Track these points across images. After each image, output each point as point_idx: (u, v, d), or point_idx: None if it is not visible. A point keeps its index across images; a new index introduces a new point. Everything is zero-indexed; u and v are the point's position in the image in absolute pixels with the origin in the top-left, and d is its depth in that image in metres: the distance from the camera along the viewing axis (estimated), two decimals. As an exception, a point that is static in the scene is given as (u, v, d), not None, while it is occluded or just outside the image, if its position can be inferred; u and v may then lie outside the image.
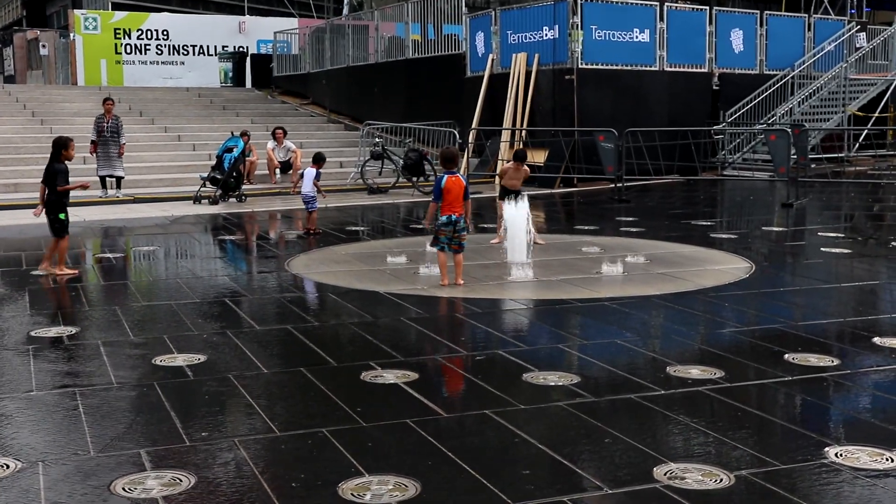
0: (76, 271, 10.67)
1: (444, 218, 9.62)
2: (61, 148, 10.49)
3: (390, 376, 6.47)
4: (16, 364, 6.87)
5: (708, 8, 25.03)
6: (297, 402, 6.06)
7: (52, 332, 7.88)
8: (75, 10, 40.37)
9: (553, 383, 6.33)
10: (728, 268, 10.90)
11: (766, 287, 9.91)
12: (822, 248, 12.42)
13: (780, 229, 14.87)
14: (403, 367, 6.70)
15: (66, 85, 37.68)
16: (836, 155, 25.51)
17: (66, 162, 10.56)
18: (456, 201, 9.60)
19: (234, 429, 5.47)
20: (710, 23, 24.44)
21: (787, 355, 6.97)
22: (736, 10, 27.04)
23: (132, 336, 7.75)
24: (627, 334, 7.80)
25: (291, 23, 38.49)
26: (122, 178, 19.36)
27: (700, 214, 16.20)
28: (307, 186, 14.07)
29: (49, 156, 10.63)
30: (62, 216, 10.54)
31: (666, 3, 23.19)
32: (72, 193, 10.81)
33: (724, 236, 13.66)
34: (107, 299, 9.53)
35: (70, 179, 10.72)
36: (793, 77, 25.27)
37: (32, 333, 7.80)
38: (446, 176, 9.69)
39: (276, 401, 6.04)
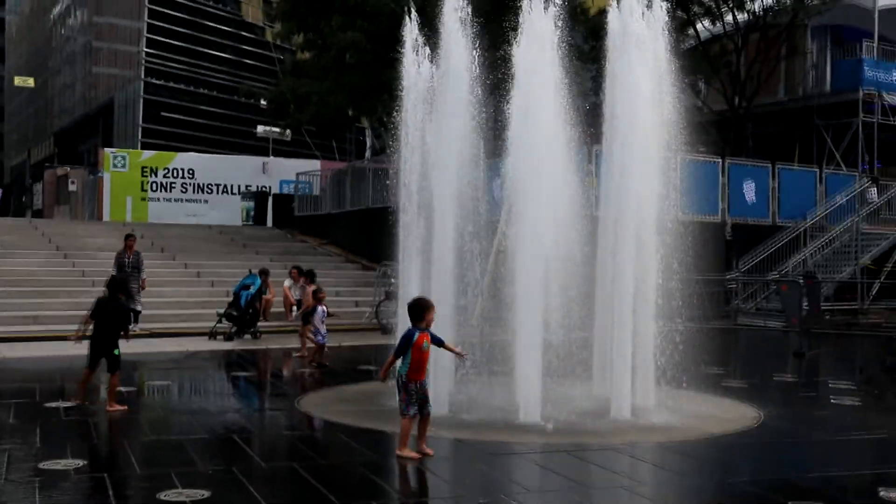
0: (125, 407, 10.70)
1: (412, 386, 8.43)
2: (119, 288, 10.78)
3: (392, 517, 6.49)
4: (20, 496, 6.92)
5: (721, 159, 25.60)
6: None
7: (61, 464, 7.93)
8: (105, 149, 41.56)
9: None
10: (735, 416, 10.89)
11: (771, 437, 9.88)
12: (832, 399, 12.40)
13: (791, 379, 14.86)
14: (405, 509, 6.72)
15: (91, 220, 38.48)
16: (849, 306, 25.59)
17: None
18: (425, 366, 8.53)
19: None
20: (723, 174, 24.96)
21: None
22: (748, 161, 27.58)
23: (138, 470, 7.80)
24: (624, 480, 7.79)
25: (314, 164, 39.50)
26: (140, 312, 19.60)
27: (712, 362, 16.22)
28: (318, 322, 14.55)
29: (108, 294, 10.98)
30: (117, 352, 10.74)
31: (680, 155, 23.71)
32: None
33: (734, 384, 13.65)
34: (117, 433, 9.60)
35: None
36: (805, 228, 25.60)
37: (41, 466, 7.86)
38: (418, 333, 8.49)
39: (276, 539, 6.06)
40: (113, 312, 10.73)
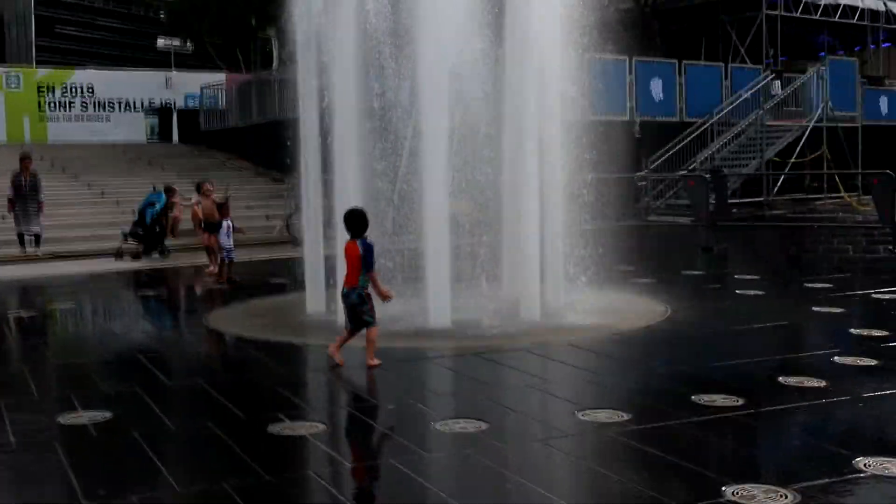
0: None
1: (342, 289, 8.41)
2: None
3: (298, 429, 6.41)
4: (-88, 427, 6.69)
5: (627, 58, 25.58)
6: (201, 458, 5.98)
7: (-46, 393, 7.68)
8: (-3, 67, 39.88)
9: (460, 430, 6.33)
10: (643, 312, 11.03)
11: (676, 331, 10.04)
12: (737, 291, 12.65)
13: (698, 273, 15.12)
14: (311, 419, 6.65)
15: (-13, 142, 37.09)
16: (755, 199, 26.06)
17: None
18: (349, 269, 8.31)
19: (133, 488, 5.38)
20: (630, 72, 24.97)
21: (694, 397, 7.04)
22: (655, 59, 27.63)
23: (36, 395, 7.60)
24: (535, 380, 7.85)
25: (219, 77, 38.46)
26: (41, 235, 19.04)
27: (622, 260, 16.40)
28: (224, 238, 14.21)
29: None
30: None
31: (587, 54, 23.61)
32: None
33: (643, 281, 13.80)
34: (16, 359, 9.33)
35: None
36: (712, 124, 25.86)
37: (-65, 395, 7.60)
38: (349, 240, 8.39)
39: (179, 457, 5.95)
40: None
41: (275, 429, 6.38)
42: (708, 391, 7.16)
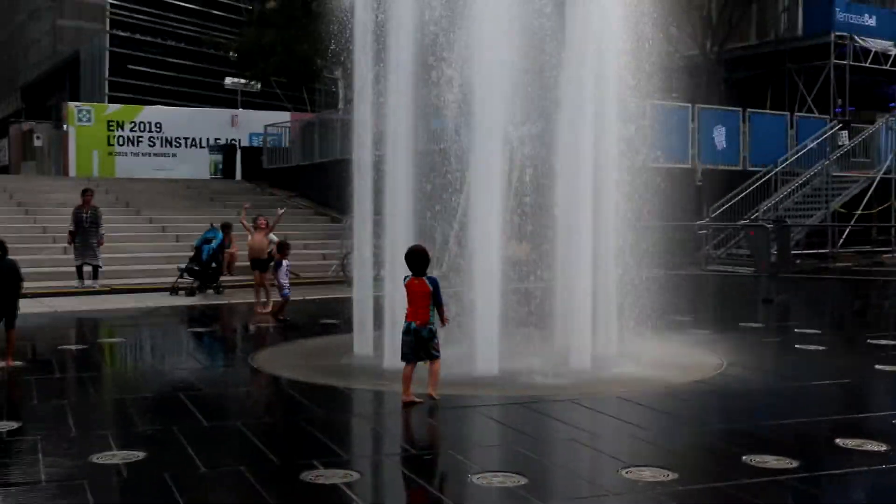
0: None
1: (404, 325, 8.60)
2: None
3: (332, 476, 6.24)
4: (-54, 460, 6.66)
5: (690, 105, 25.30)
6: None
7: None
8: (69, 103, 40.78)
9: (498, 484, 6.10)
10: (698, 364, 10.70)
11: (730, 386, 9.69)
12: (796, 346, 12.25)
13: (757, 325, 14.70)
14: (347, 467, 6.47)
15: (57, 176, 37.88)
16: (819, 251, 25.48)
17: None
18: (417, 306, 8.45)
19: (156, 532, 5.25)
20: (693, 120, 24.68)
21: (745, 457, 6.73)
22: (719, 107, 27.29)
23: (73, 431, 7.53)
24: (580, 433, 7.60)
25: (284, 116, 38.87)
26: (100, 267, 19.23)
27: (678, 310, 16.06)
28: (282, 277, 14.26)
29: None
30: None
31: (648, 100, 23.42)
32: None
33: (699, 332, 13.45)
34: (59, 393, 9.29)
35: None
36: (776, 173, 25.41)
37: (-28, 431, 7.56)
38: (409, 277, 8.63)
39: (209, 503, 5.81)
40: (4, 271, 10.32)
41: (308, 476, 6.22)
42: (760, 451, 6.84)
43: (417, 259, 8.54)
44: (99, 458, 6.66)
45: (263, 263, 15.90)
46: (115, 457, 6.71)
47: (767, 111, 29.13)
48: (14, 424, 7.71)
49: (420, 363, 8.51)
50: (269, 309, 15.31)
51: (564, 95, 11.51)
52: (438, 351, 8.53)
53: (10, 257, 10.41)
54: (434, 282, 8.48)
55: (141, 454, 6.77)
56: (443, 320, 8.61)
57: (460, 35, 11.03)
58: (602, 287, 11.20)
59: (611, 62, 11.38)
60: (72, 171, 37.66)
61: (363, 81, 11.79)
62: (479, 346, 10.22)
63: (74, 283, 18.84)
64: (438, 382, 8.47)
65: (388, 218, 11.17)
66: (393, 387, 9.25)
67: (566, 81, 11.42)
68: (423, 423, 8.01)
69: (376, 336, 11.09)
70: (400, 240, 10.98)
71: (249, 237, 16.49)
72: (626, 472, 6.35)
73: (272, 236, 21.56)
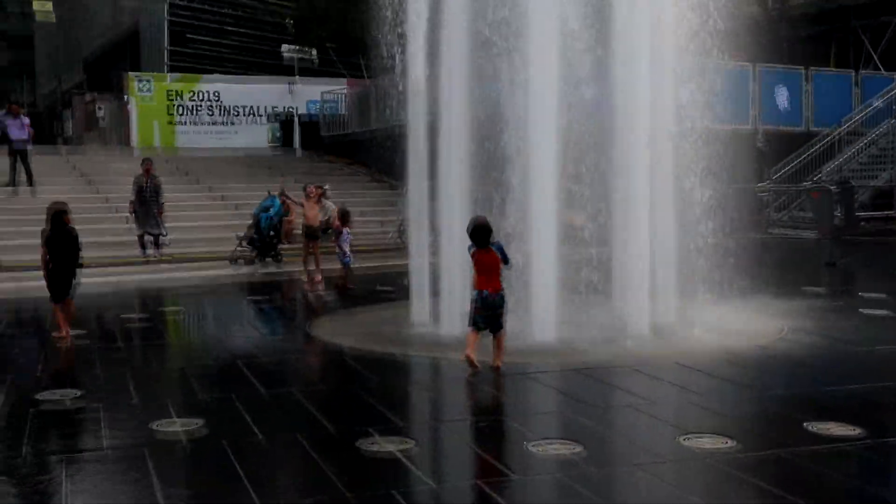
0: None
1: (474, 293, 8.59)
2: (59, 216, 10.37)
3: (387, 444, 6.25)
4: (13, 427, 6.79)
5: (752, 65, 24.76)
6: (285, 473, 5.87)
7: (58, 394, 7.77)
8: (129, 73, 41.19)
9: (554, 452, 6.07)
10: (759, 330, 10.54)
11: (792, 352, 9.52)
12: (861, 310, 12.01)
13: (820, 290, 14.43)
14: (403, 434, 6.48)
15: (119, 147, 38.35)
16: (887, 213, 24.90)
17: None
18: (489, 275, 8.52)
19: (211, 500, 5.30)
20: (754, 80, 24.19)
21: (806, 424, 6.60)
22: (780, 66, 26.70)
23: (135, 399, 7.64)
24: (638, 400, 7.52)
25: (341, 84, 38.85)
26: (163, 235, 19.45)
27: (739, 275, 15.83)
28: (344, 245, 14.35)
29: (51, 225, 10.33)
30: (76, 281, 10.49)
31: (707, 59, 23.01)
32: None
33: (761, 297, 13.21)
34: (118, 362, 9.41)
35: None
36: (840, 134, 24.84)
37: (37, 396, 7.71)
38: (474, 249, 8.57)
39: (262, 471, 5.86)
40: (65, 241, 10.34)
41: (363, 444, 6.23)
42: (822, 418, 6.72)
43: (482, 232, 8.53)
44: (159, 426, 6.75)
45: (315, 232, 15.98)
46: (175, 424, 6.80)
47: (831, 69, 28.45)
48: (76, 392, 7.84)
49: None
50: (319, 278, 15.43)
51: (619, 56, 11.32)
52: (504, 320, 8.58)
53: (72, 226, 10.51)
54: (500, 248, 8.57)
55: (200, 422, 6.84)
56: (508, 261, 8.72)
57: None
58: (661, 253, 11.07)
59: (667, 21, 11.17)
60: (133, 142, 38.08)
61: (416, 47, 11.73)
62: (536, 314, 10.18)
63: (136, 252, 19.08)
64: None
65: (442, 184, 11.14)
66: (449, 354, 9.25)
67: (619, 42, 11.24)
68: (480, 391, 8.00)
69: (433, 304, 11.09)
70: (455, 206, 10.96)
71: (303, 208, 16.59)
72: (685, 440, 6.27)
73: (329, 203, 21.69)
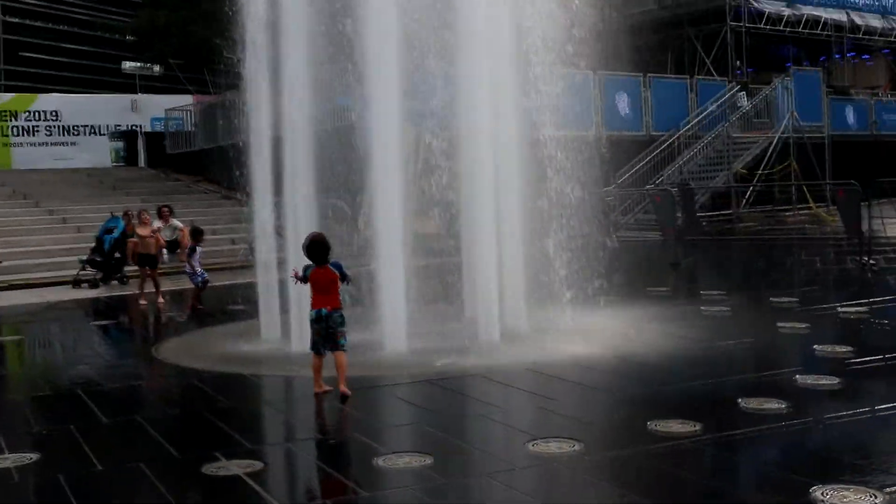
0: None
1: (312, 313, 8.22)
2: None
3: (234, 467, 6.09)
4: None
5: (592, 72, 25.38)
6: (125, 502, 5.65)
7: None
8: (-41, 94, 39.33)
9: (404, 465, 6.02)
10: (607, 332, 10.77)
11: (636, 353, 9.75)
12: (702, 308, 12.42)
13: (664, 291, 14.87)
14: (250, 457, 6.32)
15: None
16: (724, 213, 25.92)
17: None
18: (326, 293, 8.14)
19: (48, 538, 5.06)
20: (595, 87, 24.81)
21: (650, 423, 6.75)
22: (620, 73, 27.49)
23: (-36, 436, 7.24)
24: (489, 408, 7.56)
25: (186, 100, 38.03)
26: (-2, 263, 18.63)
27: (587, 278, 16.14)
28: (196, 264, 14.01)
29: None
30: None
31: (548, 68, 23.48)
32: None
33: (607, 299, 13.51)
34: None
35: None
36: (679, 138, 25.74)
37: None
38: (313, 267, 8.22)
39: (101, 503, 5.62)
40: None
41: (209, 468, 6.05)
42: (665, 416, 6.88)
43: (318, 249, 8.17)
44: (-11, 463, 6.41)
45: (152, 259, 15.58)
46: (7, 460, 6.46)
47: (668, 76, 29.46)
48: None
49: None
50: (161, 300, 15.06)
51: (461, 65, 11.41)
52: (346, 339, 8.17)
53: None
54: (338, 266, 8.19)
55: (34, 455, 6.52)
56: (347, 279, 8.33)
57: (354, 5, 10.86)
58: (509, 260, 11.18)
59: (509, 29, 11.33)
60: (-36, 164, 36.37)
61: (256, 61, 11.58)
62: (386, 325, 10.14)
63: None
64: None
65: (287, 199, 11.01)
66: (301, 372, 9.09)
67: (462, 50, 11.32)
68: (330, 408, 7.88)
69: (283, 321, 10.93)
70: (302, 221, 10.83)
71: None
72: (533, 445, 6.32)
73: (176, 222, 21.16)
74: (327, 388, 8.06)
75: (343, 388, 7.93)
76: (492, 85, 11.03)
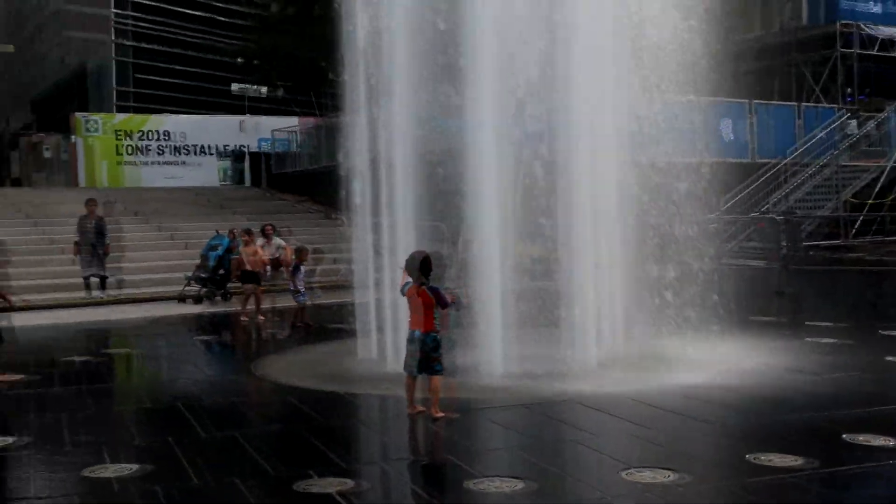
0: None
1: (409, 334, 8.16)
2: None
3: (326, 485, 6.12)
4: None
5: (696, 98, 25.02)
6: (221, 517, 5.74)
7: (-10, 442, 7.55)
8: (76, 113, 40.80)
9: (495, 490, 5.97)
10: (707, 360, 10.53)
11: (745, 381, 9.51)
12: (807, 338, 12.08)
13: (768, 319, 14.49)
14: (343, 475, 6.35)
15: (66, 187, 37.89)
16: (832, 242, 25.22)
17: None
18: (421, 315, 7.97)
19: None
20: (699, 113, 24.41)
21: (749, 455, 6.57)
22: (724, 99, 27.06)
23: (68, 444, 7.43)
24: (584, 435, 7.46)
25: (292, 121, 38.76)
26: (107, 278, 19.17)
27: (688, 305, 15.86)
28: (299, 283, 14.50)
29: None
30: None
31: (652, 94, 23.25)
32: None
33: (709, 327, 13.22)
34: (55, 406, 9.16)
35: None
36: (785, 165, 25.18)
37: (-32, 446, 7.47)
38: (410, 285, 8.10)
39: (197, 516, 5.71)
40: None
41: (301, 486, 6.11)
42: (766, 449, 6.69)
43: (414, 265, 8.06)
44: (91, 473, 6.56)
45: (255, 276, 15.84)
46: (108, 470, 6.61)
47: (773, 102, 28.86)
48: (9, 439, 7.61)
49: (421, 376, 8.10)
50: (262, 318, 15.30)
51: (567, 89, 11.36)
52: (441, 365, 7.99)
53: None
54: (434, 290, 7.97)
55: (134, 467, 6.66)
56: (445, 304, 8.04)
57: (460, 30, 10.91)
58: (609, 286, 11.07)
59: (609, 58, 11.27)
60: (81, 182, 37.68)
61: (357, 84, 11.75)
62: (482, 348, 10.12)
63: (82, 294, 18.78)
64: (439, 399, 7.98)
65: (386, 219, 11.11)
66: (395, 391, 9.11)
67: (569, 74, 11.27)
68: (424, 429, 7.88)
69: (379, 339, 10.99)
70: (401, 241, 10.90)
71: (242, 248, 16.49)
72: (627, 474, 6.21)
73: (279, 241, 21.49)
74: (420, 408, 8.06)
75: (434, 410, 7.88)
76: (593, 110, 10.96)
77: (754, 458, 6.47)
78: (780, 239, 18.15)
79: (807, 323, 13.69)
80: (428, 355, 7.92)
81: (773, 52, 31.91)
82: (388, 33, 11.41)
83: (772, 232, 18.24)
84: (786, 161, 25.28)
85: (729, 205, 23.94)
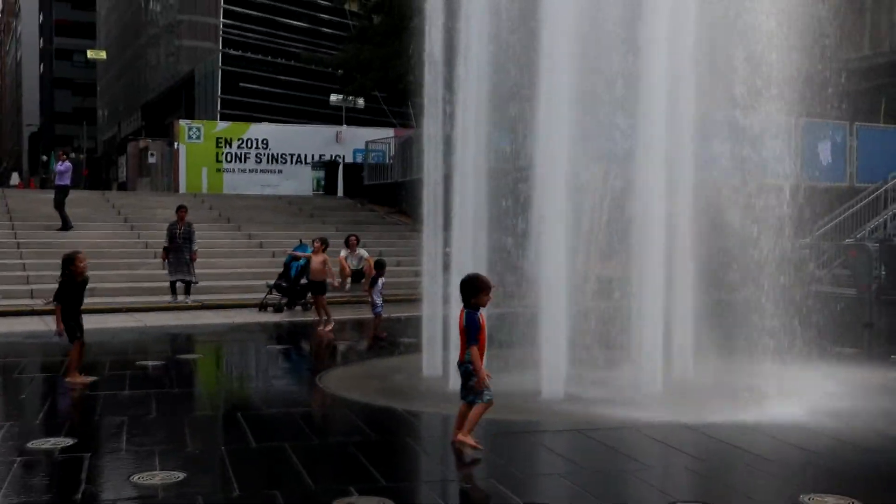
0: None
1: None
2: (71, 262, 10.59)
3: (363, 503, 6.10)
4: (-6, 477, 6.76)
5: (793, 118, 24.41)
6: (252, 530, 5.76)
7: (50, 442, 7.73)
8: (180, 120, 41.87)
9: (530, 518, 5.88)
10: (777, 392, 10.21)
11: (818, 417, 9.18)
12: (888, 374, 11.62)
13: (852, 351, 14.00)
14: (382, 493, 6.32)
15: (167, 192, 38.88)
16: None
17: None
18: (461, 340, 7.67)
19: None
20: (794, 133, 23.80)
21: (804, 496, 6.33)
22: (824, 120, 26.32)
23: (124, 449, 7.57)
24: (634, 464, 7.29)
25: (387, 133, 39.07)
26: (193, 283, 19.54)
27: (763, 332, 15.42)
28: (376, 295, 14.51)
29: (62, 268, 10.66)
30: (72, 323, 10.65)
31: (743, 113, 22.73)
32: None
33: (783, 357, 12.82)
34: (120, 409, 9.33)
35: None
36: (886, 190, 24.34)
37: (28, 445, 7.65)
38: (479, 315, 7.60)
39: (230, 528, 5.75)
40: (71, 287, 10.58)
41: (339, 502, 6.09)
42: (822, 490, 6.43)
43: (462, 288, 7.71)
44: (139, 479, 6.66)
45: (320, 286, 15.97)
46: (156, 477, 6.71)
47: (878, 125, 27.95)
48: (69, 441, 7.79)
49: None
50: (329, 328, 15.39)
51: (643, 109, 11.17)
52: (477, 395, 7.51)
53: (82, 272, 10.68)
54: (469, 316, 7.54)
55: (181, 475, 6.74)
56: (477, 374, 7.49)
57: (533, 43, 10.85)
58: (679, 310, 10.85)
59: (690, 72, 11.09)
60: (182, 188, 38.62)
61: (433, 97, 11.78)
62: (544, 369, 9.99)
63: (168, 298, 19.20)
64: (472, 429, 7.59)
65: (455, 234, 11.10)
66: (453, 411, 9.02)
67: (648, 94, 11.08)
68: (471, 451, 7.79)
69: (445, 357, 10.94)
70: (468, 257, 10.85)
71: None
72: (671, 508, 6.05)
73: (362, 252, 21.64)
74: (460, 437, 7.70)
75: (462, 437, 7.56)
76: (669, 127, 10.77)
77: (809, 499, 6.22)
78: (871, 267, 17.52)
79: (892, 356, 13.17)
80: (464, 383, 7.67)
81: (881, 73, 30.93)
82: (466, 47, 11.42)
83: (863, 259, 17.62)
84: (887, 186, 24.43)
85: (823, 230, 23.27)
